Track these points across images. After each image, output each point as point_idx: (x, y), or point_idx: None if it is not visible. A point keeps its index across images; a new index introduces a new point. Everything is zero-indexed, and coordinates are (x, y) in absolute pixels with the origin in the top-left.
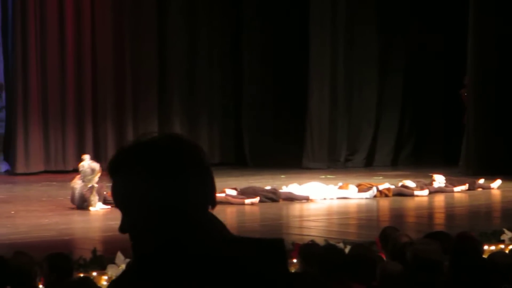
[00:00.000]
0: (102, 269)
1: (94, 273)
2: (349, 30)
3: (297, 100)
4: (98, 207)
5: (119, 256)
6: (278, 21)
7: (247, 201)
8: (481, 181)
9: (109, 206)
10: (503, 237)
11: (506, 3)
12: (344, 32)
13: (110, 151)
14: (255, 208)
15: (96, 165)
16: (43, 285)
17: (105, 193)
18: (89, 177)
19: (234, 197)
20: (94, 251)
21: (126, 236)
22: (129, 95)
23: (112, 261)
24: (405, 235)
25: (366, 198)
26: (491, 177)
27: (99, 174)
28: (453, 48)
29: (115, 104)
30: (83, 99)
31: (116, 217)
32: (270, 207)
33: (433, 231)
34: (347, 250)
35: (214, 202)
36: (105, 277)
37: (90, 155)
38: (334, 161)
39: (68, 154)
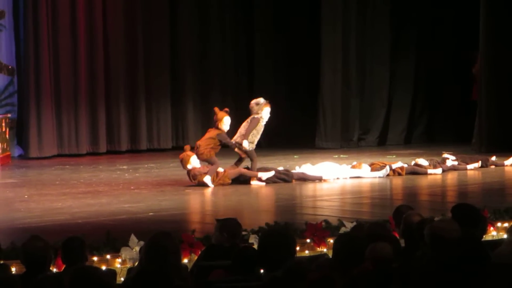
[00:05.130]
0: (115, 252)
1: (108, 256)
2: (361, 9)
3: (310, 80)
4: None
5: (133, 239)
6: (290, 1)
7: (263, 176)
8: (494, 158)
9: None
10: None
11: None
12: (356, 11)
13: (124, 133)
14: (268, 189)
15: (261, 100)
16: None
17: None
18: (254, 111)
19: (249, 170)
20: (107, 234)
21: (139, 219)
22: (141, 77)
23: (125, 243)
24: (417, 214)
25: (379, 177)
26: (504, 154)
27: (267, 107)
28: (465, 24)
29: (128, 86)
30: (95, 82)
31: (129, 200)
32: (283, 187)
33: (459, 203)
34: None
35: None
36: (119, 260)
37: (104, 138)
38: (347, 141)
39: (81, 137)
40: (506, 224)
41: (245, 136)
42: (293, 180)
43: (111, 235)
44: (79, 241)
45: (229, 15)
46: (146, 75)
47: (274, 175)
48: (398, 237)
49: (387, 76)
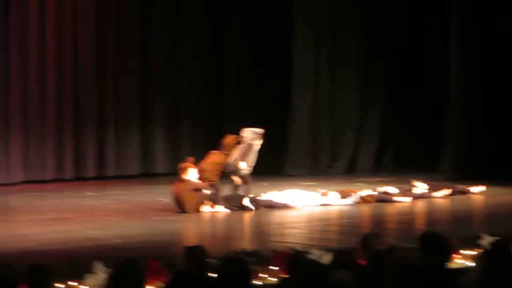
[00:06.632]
0: (81, 279)
1: (73, 283)
2: (332, 36)
3: (279, 107)
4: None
5: (98, 266)
6: (260, 27)
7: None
8: (463, 186)
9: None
10: (482, 242)
11: (489, 5)
12: (327, 39)
13: (90, 161)
14: (236, 216)
15: (259, 130)
16: None
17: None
18: (249, 139)
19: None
20: (73, 261)
21: (106, 246)
22: (110, 104)
23: (91, 270)
24: (383, 241)
25: (348, 205)
26: (473, 182)
27: (261, 140)
28: (436, 52)
29: (96, 112)
30: (63, 108)
31: (96, 227)
32: (251, 214)
33: (427, 231)
34: (328, 257)
35: None
36: (84, 287)
37: (70, 164)
38: (316, 168)
39: (48, 164)
40: (473, 252)
41: (243, 158)
42: (261, 207)
43: (76, 261)
44: (44, 269)
45: (200, 45)
46: (115, 102)
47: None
48: (365, 265)
49: (357, 103)
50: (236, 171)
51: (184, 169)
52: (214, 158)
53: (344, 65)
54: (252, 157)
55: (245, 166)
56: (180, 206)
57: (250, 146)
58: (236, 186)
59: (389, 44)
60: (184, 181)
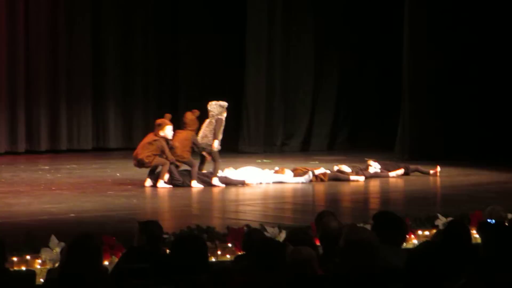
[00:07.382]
0: (35, 253)
1: (28, 257)
2: (286, 16)
3: (234, 85)
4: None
5: (53, 240)
6: (214, 7)
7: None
8: (416, 166)
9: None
10: (437, 222)
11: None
12: (281, 19)
13: (43, 135)
14: (192, 192)
15: (224, 103)
16: None
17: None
18: (216, 113)
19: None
20: (27, 234)
21: (60, 220)
22: (62, 77)
23: (46, 244)
24: (336, 220)
25: (302, 183)
26: (426, 162)
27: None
28: (390, 32)
29: (48, 86)
30: (15, 81)
31: (51, 201)
32: (206, 191)
33: (381, 210)
34: (283, 234)
35: None
36: (39, 261)
37: (23, 137)
38: (271, 146)
39: (0, 138)
40: (427, 232)
41: (216, 136)
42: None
43: (31, 235)
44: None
45: (153, 23)
46: (67, 76)
47: (198, 178)
48: (318, 243)
49: (311, 82)
50: (207, 149)
51: (161, 126)
52: (183, 135)
53: (298, 45)
54: (222, 132)
55: (217, 144)
56: (137, 155)
57: (219, 121)
58: (203, 162)
59: (345, 25)
60: (158, 138)
